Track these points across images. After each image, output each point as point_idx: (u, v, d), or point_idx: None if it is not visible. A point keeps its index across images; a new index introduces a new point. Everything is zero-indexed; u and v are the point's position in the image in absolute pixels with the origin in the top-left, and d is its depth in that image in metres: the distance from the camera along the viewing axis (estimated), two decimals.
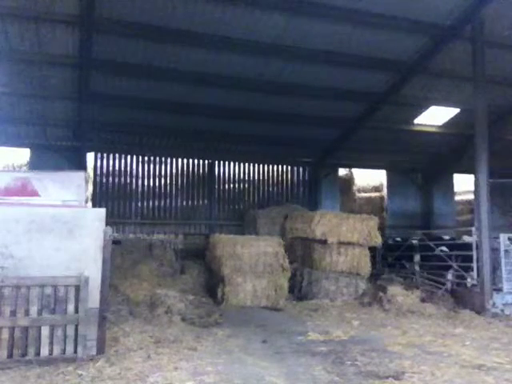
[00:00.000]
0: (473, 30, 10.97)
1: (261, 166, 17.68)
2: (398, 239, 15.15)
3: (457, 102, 14.63)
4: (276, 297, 11.35)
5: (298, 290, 12.20)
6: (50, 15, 9.88)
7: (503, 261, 10.64)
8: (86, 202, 12.75)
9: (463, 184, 20.98)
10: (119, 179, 16.04)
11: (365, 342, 7.55)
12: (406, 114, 15.32)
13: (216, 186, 17.03)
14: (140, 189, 16.24)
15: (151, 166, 16.45)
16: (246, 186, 17.45)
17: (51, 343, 5.97)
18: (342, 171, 19.31)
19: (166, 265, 13.01)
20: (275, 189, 17.80)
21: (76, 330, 6.07)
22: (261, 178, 17.66)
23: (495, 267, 10.66)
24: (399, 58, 12.47)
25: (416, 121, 15.77)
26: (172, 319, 8.99)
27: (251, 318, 9.85)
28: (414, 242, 13.64)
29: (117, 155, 16.05)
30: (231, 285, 11.17)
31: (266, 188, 17.71)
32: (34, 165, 14.41)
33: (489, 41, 11.26)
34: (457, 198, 20.66)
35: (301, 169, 18.17)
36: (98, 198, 15.64)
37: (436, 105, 14.90)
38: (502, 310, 10.13)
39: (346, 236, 12.16)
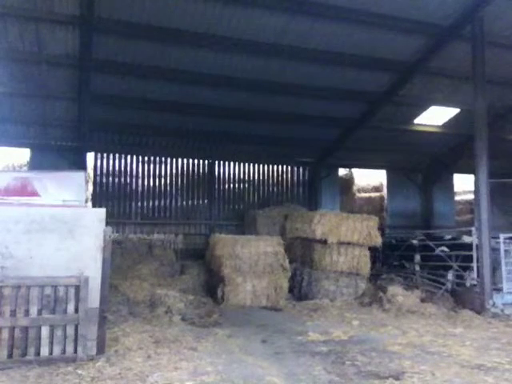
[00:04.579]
0: (473, 30, 10.96)
1: (261, 166, 17.68)
2: (398, 239, 15.17)
3: (457, 102, 14.65)
4: (276, 297, 11.35)
5: (298, 290, 12.20)
6: (50, 15, 9.90)
7: (503, 261, 10.64)
8: (86, 201, 12.76)
9: (463, 184, 21.01)
10: (119, 179, 16.03)
11: (365, 342, 7.55)
12: (406, 113, 15.33)
13: (216, 186, 17.03)
14: (140, 189, 16.23)
15: (151, 165, 16.44)
16: (246, 186, 17.46)
17: (51, 343, 5.97)
18: (341, 171, 19.31)
19: (166, 265, 13.03)
20: (275, 189, 17.80)
21: (76, 329, 6.07)
22: (261, 178, 17.66)
23: (495, 267, 10.66)
24: (399, 58, 12.47)
25: (416, 121, 15.79)
26: (172, 319, 9.00)
27: (251, 318, 9.84)
28: (414, 241, 13.64)
29: (117, 155, 16.04)
30: (231, 285, 11.17)
31: (266, 188, 17.71)
32: (34, 165, 14.39)
33: (489, 41, 11.25)
34: (457, 198, 20.69)
35: (301, 169, 18.17)
36: (98, 198, 15.63)
37: (436, 105, 14.92)
38: (502, 310, 10.11)
39: (346, 236, 12.14)
